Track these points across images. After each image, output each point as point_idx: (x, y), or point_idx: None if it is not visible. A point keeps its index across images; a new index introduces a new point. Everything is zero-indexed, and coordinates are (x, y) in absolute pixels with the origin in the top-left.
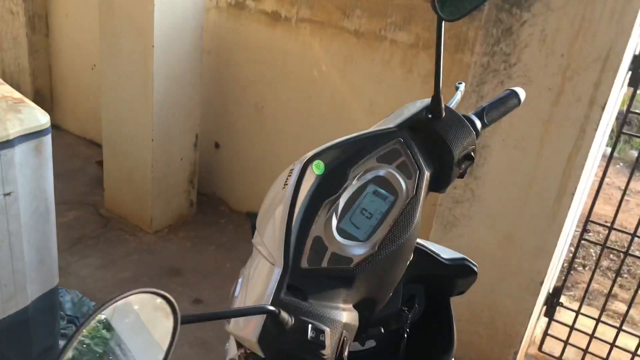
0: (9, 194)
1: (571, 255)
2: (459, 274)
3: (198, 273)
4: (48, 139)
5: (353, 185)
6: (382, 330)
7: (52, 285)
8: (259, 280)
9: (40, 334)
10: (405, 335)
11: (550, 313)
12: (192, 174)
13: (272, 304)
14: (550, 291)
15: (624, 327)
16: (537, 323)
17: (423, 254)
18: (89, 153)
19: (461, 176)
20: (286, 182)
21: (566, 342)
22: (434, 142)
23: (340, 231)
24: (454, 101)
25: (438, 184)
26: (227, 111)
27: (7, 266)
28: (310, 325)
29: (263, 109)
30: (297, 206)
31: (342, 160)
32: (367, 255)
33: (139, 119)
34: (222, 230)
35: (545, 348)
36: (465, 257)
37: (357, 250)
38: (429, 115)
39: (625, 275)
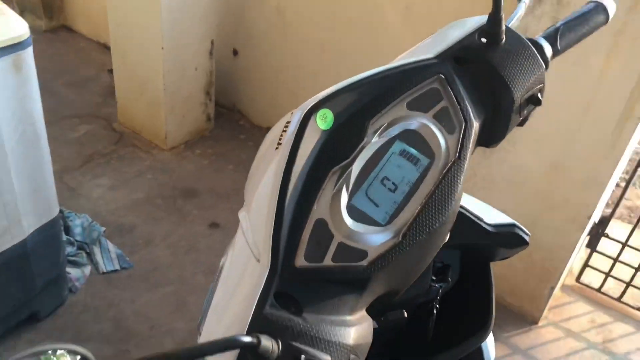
0: None
1: (625, 182)
2: (506, 244)
3: (215, 194)
4: (29, 53)
5: (372, 143)
6: (405, 315)
7: (51, 216)
8: (237, 288)
9: (42, 266)
10: (435, 311)
11: (593, 244)
12: (208, 85)
13: (251, 326)
14: (597, 221)
15: None
16: (577, 254)
17: (462, 219)
18: (103, 59)
19: (521, 124)
20: (280, 139)
21: (607, 274)
22: (488, 79)
23: (352, 211)
24: (515, 18)
25: (489, 137)
26: (246, 14)
27: None
28: (303, 356)
29: (285, 12)
30: (292, 176)
31: (357, 109)
32: (389, 247)
33: (147, 24)
34: (241, 146)
35: (583, 279)
36: (516, 223)
37: (375, 239)
38: (483, 40)
39: None
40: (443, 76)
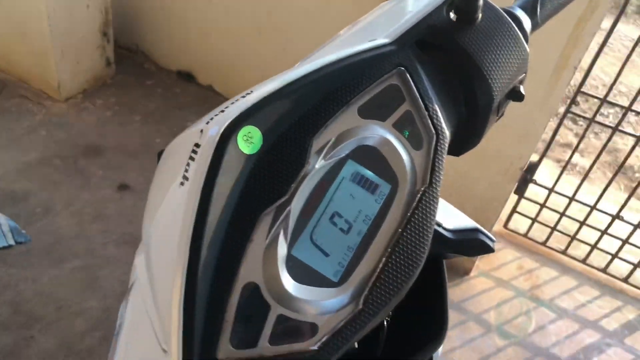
0: None
1: (553, 129)
2: (467, 251)
3: (122, 151)
4: None
5: (317, 169)
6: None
7: None
8: None
9: None
10: (385, 326)
11: (521, 190)
12: (104, 24)
13: None
14: (525, 167)
15: (598, 207)
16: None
17: None
18: None
19: (496, 122)
20: (186, 171)
21: (534, 220)
22: (461, 71)
23: (294, 266)
24: None
25: (460, 146)
26: None
27: None
28: None
29: None
30: (208, 227)
31: (293, 123)
32: (347, 318)
33: None
34: (148, 94)
35: (510, 225)
36: (479, 227)
37: (326, 306)
38: (452, 17)
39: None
40: (404, 69)
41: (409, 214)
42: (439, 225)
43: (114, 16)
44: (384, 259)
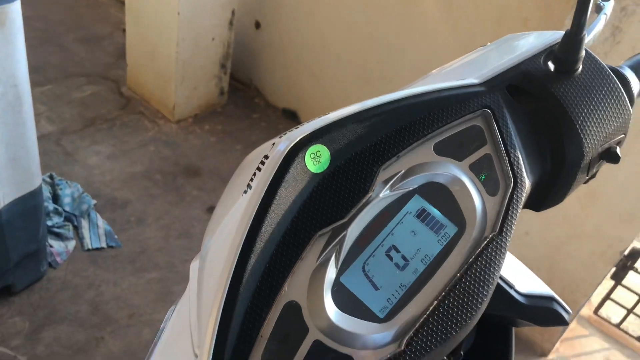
0: None
1: None
2: (539, 321)
3: (218, 176)
4: (15, 8)
5: (380, 198)
6: None
7: (32, 187)
8: None
9: (19, 240)
10: None
11: (618, 276)
12: (224, 57)
13: None
14: (626, 253)
15: None
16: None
17: None
18: (121, 17)
19: (585, 182)
20: (251, 179)
21: (630, 311)
22: (552, 122)
23: (340, 294)
24: (591, 35)
25: (541, 200)
26: None
27: None
28: None
29: None
30: (261, 236)
31: (364, 149)
32: (385, 357)
33: None
34: (253, 126)
35: (602, 312)
36: (555, 296)
37: (366, 341)
38: (550, 67)
39: None
40: (490, 111)
41: (471, 260)
42: (511, 287)
43: (235, 51)
44: (435, 302)
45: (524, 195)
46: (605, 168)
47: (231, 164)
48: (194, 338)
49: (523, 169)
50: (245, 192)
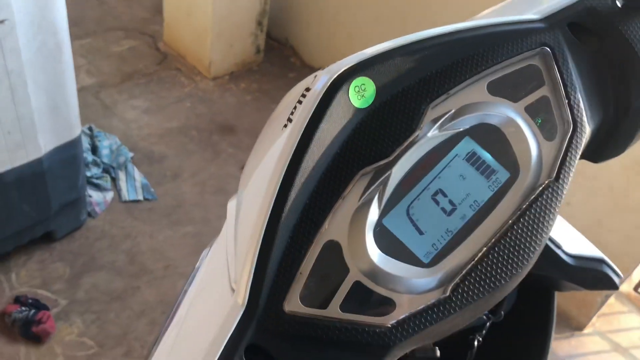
0: (2, 21)
1: None
2: (588, 283)
3: (253, 134)
4: None
5: (428, 138)
6: (438, 354)
7: (71, 136)
8: (202, 323)
9: (59, 188)
10: (476, 345)
11: None
12: (261, 14)
13: None
14: None
15: None
16: None
17: None
18: None
19: None
20: (292, 113)
21: None
22: (618, 63)
23: (382, 236)
24: None
25: (601, 149)
26: None
27: (9, 111)
28: None
29: None
30: (301, 172)
31: (412, 84)
32: (429, 303)
33: None
34: (288, 85)
35: None
36: (605, 259)
37: (410, 285)
38: (618, 3)
39: None
40: (549, 50)
41: (524, 207)
42: (559, 246)
43: (271, 8)
44: (484, 249)
45: (584, 141)
46: None
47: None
48: (231, 273)
49: (584, 114)
50: (285, 126)
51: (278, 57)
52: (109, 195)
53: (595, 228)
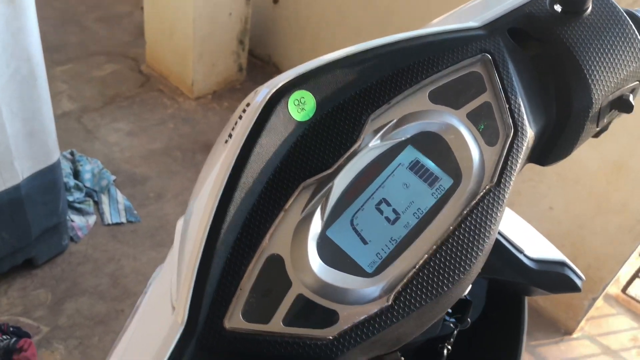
0: None
1: None
2: (550, 286)
3: None
4: None
5: (370, 148)
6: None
7: (50, 161)
8: (146, 340)
9: (39, 213)
10: (445, 354)
11: None
12: (242, 33)
13: None
14: None
15: None
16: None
17: (495, 247)
18: None
19: (596, 135)
20: (233, 128)
21: None
22: (558, 67)
23: (325, 247)
24: None
25: (547, 153)
26: None
27: None
28: None
29: None
30: (241, 186)
31: (353, 95)
32: (371, 313)
33: None
34: None
35: (630, 290)
36: (566, 261)
37: (352, 296)
38: (557, 8)
39: None
40: (489, 56)
41: (465, 212)
42: (521, 251)
43: (253, 27)
44: (426, 256)
45: (525, 145)
46: (633, 140)
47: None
48: (172, 291)
49: (525, 118)
50: (226, 141)
51: (261, 74)
52: (92, 219)
53: (579, 231)
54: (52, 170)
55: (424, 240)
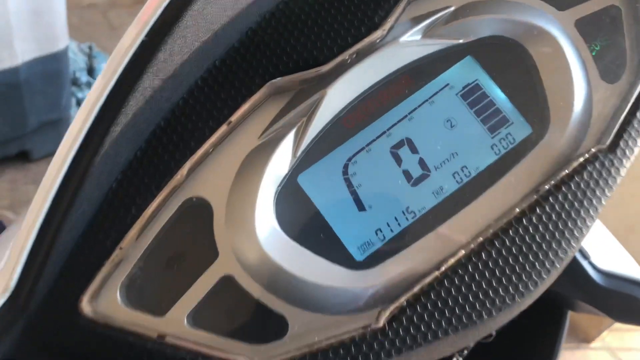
0: None
1: None
2: (618, 313)
3: None
4: None
5: (400, 45)
6: None
7: (55, 48)
8: None
9: (38, 104)
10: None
11: None
12: None
13: None
14: None
15: None
16: None
17: None
18: None
19: None
20: None
21: None
22: None
23: (290, 201)
24: None
25: None
26: None
27: None
28: None
29: None
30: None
31: None
32: (344, 337)
33: None
34: None
35: None
36: None
37: (320, 298)
38: None
39: None
40: None
41: (545, 189)
42: (585, 257)
43: None
44: (462, 252)
45: None
46: None
47: None
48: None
49: None
50: None
51: None
52: None
53: (625, 233)
54: (57, 59)
55: (463, 224)
